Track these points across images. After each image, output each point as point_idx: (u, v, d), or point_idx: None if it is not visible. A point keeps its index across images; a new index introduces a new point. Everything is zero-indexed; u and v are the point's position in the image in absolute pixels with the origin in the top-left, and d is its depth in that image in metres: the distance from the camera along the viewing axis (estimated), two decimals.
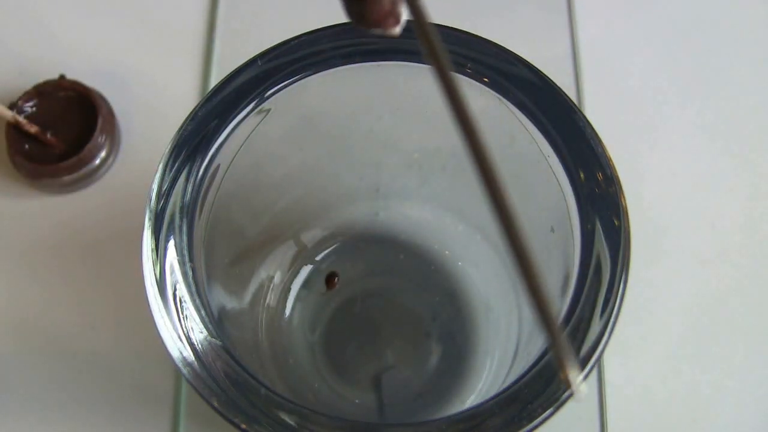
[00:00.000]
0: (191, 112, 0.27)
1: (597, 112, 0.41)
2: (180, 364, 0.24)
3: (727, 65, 0.43)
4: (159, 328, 0.24)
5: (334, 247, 0.37)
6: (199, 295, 0.25)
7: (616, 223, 0.25)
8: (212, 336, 0.24)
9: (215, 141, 0.26)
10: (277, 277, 0.36)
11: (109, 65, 0.42)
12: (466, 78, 0.27)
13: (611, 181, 0.26)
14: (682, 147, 0.41)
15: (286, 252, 0.36)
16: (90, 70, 0.41)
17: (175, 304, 0.25)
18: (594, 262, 0.25)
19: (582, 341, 0.24)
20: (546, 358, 0.24)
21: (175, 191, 0.26)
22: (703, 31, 0.44)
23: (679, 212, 0.40)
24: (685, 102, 0.42)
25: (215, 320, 0.25)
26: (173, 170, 0.26)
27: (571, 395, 0.23)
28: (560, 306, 0.26)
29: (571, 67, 0.42)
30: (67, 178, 0.38)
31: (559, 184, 0.26)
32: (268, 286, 0.36)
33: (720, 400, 0.36)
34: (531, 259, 0.14)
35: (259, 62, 0.27)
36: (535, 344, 0.27)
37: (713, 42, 0.44)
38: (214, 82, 0.41)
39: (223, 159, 0.27)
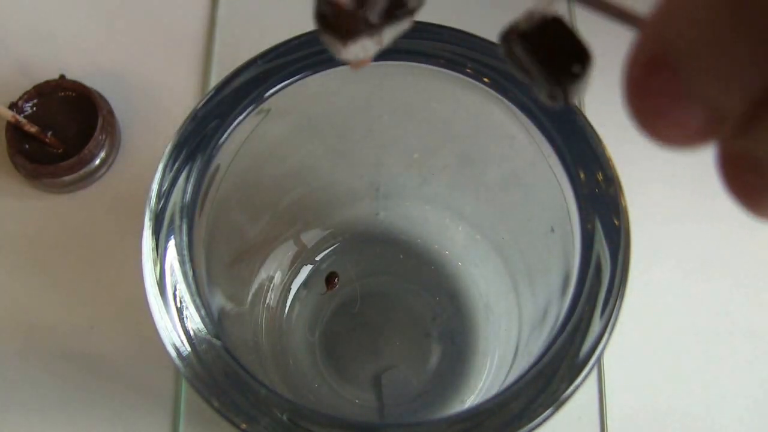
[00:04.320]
0: (191, 112, 0.27)
1: (597, 112, 0.41)
2: (180, 365, 0.24)
3: None
4: (159, 329, 0.24)
5: (334, 247, 0.37)
6: (199, 295, 0.25)
7: (616, 223, 0.25)
8: (212, 336, 0.24)
9: (215, 141, 0.27)
10: (277, 277, 0.36)
11: (109, 65, 0.42)
12: (467, 78, 0.27)
13: (611, 181, 0.26)
14: None
15: (286, 252, 0.36)
16: (90, 70, 0.41)
17: (175, 304, 0.25)
18: (594, 262, 0.25)
19: (582, 341, 0.24)
20: (546, 357, 0.24)
21: (175, 191, 0.26)
22: None
23: (680, 212, 0.40)
24: None
25: (215, 320, 0.25)
26: (173, 170, 0.26)
27: None
28: (560, 306, 0.26)
29: None
30: (67, 178, 0.38)
31: (559, 184, 0.26)
32: (268, 286, 0.36)
33: (720, 400, 0.36)
34: None
35: (259, 62, 0.27)
36: (535, 344, 0.27)
37: None
38: (214, 82, 0.41)
39: (223, 159, 0.27)
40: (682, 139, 0.12)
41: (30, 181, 0.39)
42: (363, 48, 0.16)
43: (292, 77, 0.27)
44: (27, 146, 0.38)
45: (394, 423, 0.34)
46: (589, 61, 0.14)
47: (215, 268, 0.28)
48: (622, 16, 0.14)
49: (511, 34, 0.15)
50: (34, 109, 0.39)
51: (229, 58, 0.42)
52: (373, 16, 0.16)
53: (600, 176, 0.26)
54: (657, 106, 0.12)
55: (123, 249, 0.38)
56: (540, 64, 0.15)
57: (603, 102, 0.42)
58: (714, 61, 0.11)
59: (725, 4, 0.10)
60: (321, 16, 0.15)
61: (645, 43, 0.12)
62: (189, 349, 0.24)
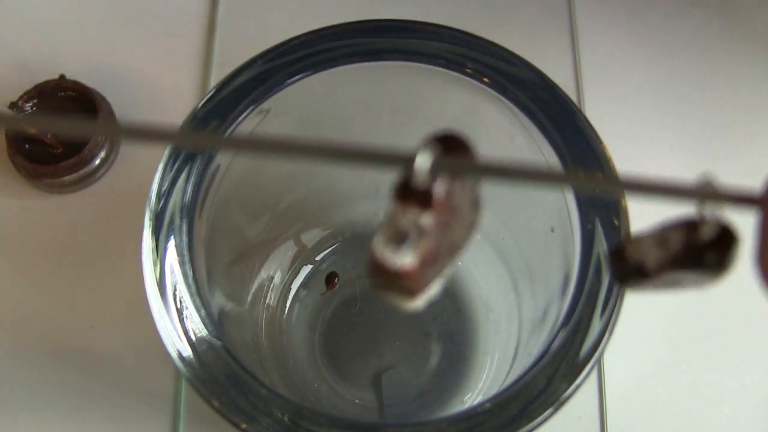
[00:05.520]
0: (191, 112, 0.27)
1: (597, 112, 0.41)
2: (180, 364, 0.24)
3: (723, 63, 0.43)
4: (159, 328, 0.24)
5: (334, 247, 0.37)
6: (199, 295, 0.25)
7: (616, 223, 0.25)
8: (212, 336, 0.24)
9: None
10: (277, 277, 0.36)
11: (109, 65, 0.42)
12: (467, 78, 0.27)
13: None
14: (683, 146, 0.41)
15: (286, 252, 0.36)
16: (90, 70, 0.41)
17: (175, 304, 0.25)
18: (594, 262, 0.25)
19: (582, 341, 0.24)
20: (546, 357, 0.24)
21: (175, 191, 0.26)
22: (699, 32, 0.44)
23: (680, 211, 0.40)
24: (685, 101, 0.42)
25: (215, 320, 0.25)
26: (173, 170, 0.26)
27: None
28: (560, 306, 0.26)
29: (571, 67, 0.42)
30: (67, 178, 0.38)
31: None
32: (268, 286, 0.36)
33: (720, 400, 0.36)
34: None
35: (259, 62, 0.27)
36: (535, 344, 0.27)
37: (710, 42, 0.44)
38: (214, 82, 0.41)
39: (223, 159, 0.27)
40: None
41: (30, 181, 0.39)
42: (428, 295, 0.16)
43: (292, 77, 0.27)
44: (27, 146, 0.38)
45: (394, 423, 0.34)
46: (733, 241, 0.14)
47: (215, 268, 0.28)
48: (738, 201, 0.14)
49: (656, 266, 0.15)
50: (34, 109, 0.39)
51: (229, 58, 0.42)
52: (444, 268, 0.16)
53: (600, 176, 0.26)
54: None
55: (123, 249, 0.38)
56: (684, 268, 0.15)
57: (603, 102, 0.42)
58: None
59: None
60: (380, 281, 0.15)
61: None
62: (189, 349, 0.24)
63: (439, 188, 0.15)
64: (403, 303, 0.16)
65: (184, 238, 0.25)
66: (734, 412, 0.36)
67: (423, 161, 0.14)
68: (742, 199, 0.14)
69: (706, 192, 0.14)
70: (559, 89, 0.27)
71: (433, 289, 0.16)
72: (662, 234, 0.15)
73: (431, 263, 0.15)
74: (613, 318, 0.24)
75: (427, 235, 0.15)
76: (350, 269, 0.37)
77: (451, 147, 0.15)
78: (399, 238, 0.15)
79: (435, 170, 0.14)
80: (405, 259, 0.15)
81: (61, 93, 0.40)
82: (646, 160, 0.41)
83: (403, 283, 0.15)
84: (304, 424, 0.23)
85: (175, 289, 0.25)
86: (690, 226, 0.15)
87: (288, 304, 0.36)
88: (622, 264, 0.15)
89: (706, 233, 0.14)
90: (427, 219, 0.15)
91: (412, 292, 0.16)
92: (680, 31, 0.44)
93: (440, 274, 0.16)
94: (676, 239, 0.15)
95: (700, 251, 0.15)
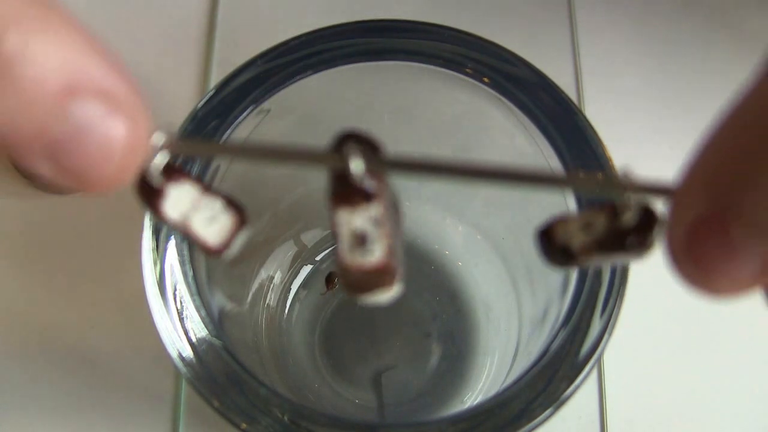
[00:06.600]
0: (191, 112, 0.27)
1: (597, 113, 0.41)
2: (180, 364, 0.24)
3: (724, 64, 0.43)
4: (159, 328, 0.24)
5: (334, 247, 0.37)
6: (199, 295, 0.25)
7: None
8: (212, 336, 0.24)
9: (215, 141, 0.27)
10: (277, 277, 0.36)
11: None
12: (467, 78, 0.27)
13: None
14: (683, 146, 0.41)
15: (286, 252, 0.36)
16: None
17: (175, 304, 0.25)
18: None
19: (582, 341, 0.24)
20: (546, 357, 0.24)
21: None
22: (700, 33, 0.44)
23: None
24: (685, 101, 0.42)
25: (215, 320, 0.25)
26: None
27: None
28: (560, 306, 0.26)
29: (571, 67, 0.42)
30: None
31: None
32: (268, 286, 0.36)
33: (720, 400, 0.36)
34: None
35: (259, 62, 0.27)
36: (535, 344, 0.27)
37: (711, 43, 0.44)
38: (214, 82, 0.41)
39: (223, 159, 0.27)
40: (734, 288, 0.13)
41: (30, 181, 0.39)
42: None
43: (292, 77, 0.27)
44: None
45: (394, 423, 0.34)
46: (654, 224, 0.15)
47: (215, 268, 0.28)
48: (652, 191, 0.15)
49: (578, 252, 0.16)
50: None
51: (229, 58, 0.42)
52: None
53: (600, 176, 0.26)
54: (709, 266, 0.13)
55: (123, 249, 0.38)
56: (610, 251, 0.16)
57: (603, 102, 0.42)
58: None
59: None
60: (359, 287, 0.16)
61: (684, 208, 0.13)
62: (189, 349, 0.24)
63: (370, 180, 0.16)
64: (384, 295, 0.17)
65: None
66: (735, 413, 0.36)
67: (356, 161, 0.15)
68: (655, 190, 0.15)
69: (623, 183, 0.15)
70: (559, 89, 0.27)
71: (402, 269, 0.17)
72: (587, 218, 0.15)
73: (395, 247, 0.16)
74: (613, 318, 0.24)
75: (383, 223, 0.16)
76: None
77: (365, 144, 0.16)
78: (360, 240, 0.16)
79: (371, 165, 0.15)
80: (376, 254, 0.16)
81: None
82: (646, 160, 0.41)
83: (381, 277, 0.16)
84: (304, 424, 0.23)
85: (175, 289, 0.25)
86: (612, 211, 0.15)
87: (288, 304, 0.36)
88: (549, 245, 0.16)
89: (628, 220, 0.15)
90: (377, 208, 0.15)
91: (390, 281, 0.16)
92: (681, 32, 0.44)
93: (400, 250, 0.17)
94: (599, 223, 0.15)
95: (622, 235, 0.15)
